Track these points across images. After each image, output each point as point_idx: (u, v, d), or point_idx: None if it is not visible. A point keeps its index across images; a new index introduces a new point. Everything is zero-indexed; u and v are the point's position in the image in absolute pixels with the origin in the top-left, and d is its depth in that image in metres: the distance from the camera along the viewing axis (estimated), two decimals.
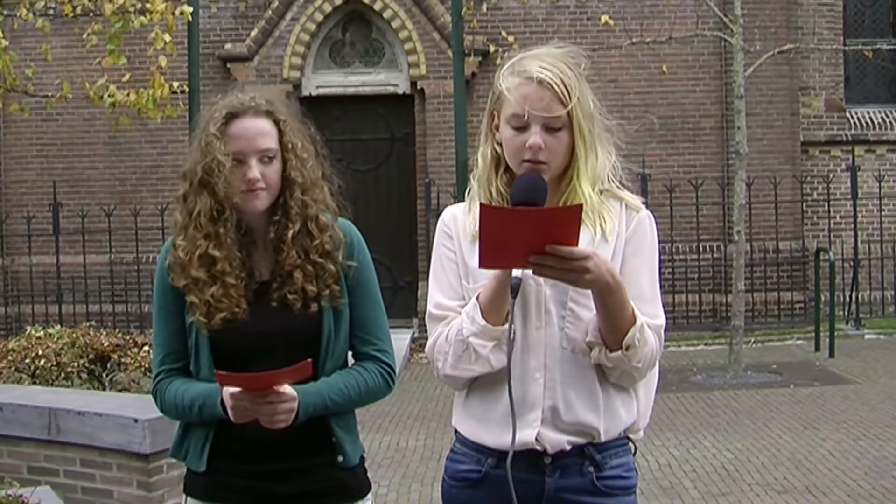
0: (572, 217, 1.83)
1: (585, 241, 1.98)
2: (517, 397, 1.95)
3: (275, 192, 2.21)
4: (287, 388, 2.09)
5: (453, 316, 2.05)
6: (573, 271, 1.87)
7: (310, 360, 2.07)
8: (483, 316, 1.98)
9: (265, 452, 2.20)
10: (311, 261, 2.20)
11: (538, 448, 2.02)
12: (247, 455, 2.21)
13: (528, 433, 2.00)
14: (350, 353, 2.31)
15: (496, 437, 2.03)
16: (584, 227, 1.99)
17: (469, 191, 2.13)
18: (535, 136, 1.97)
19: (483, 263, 1.88)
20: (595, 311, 1.98)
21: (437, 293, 2.09)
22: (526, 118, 1.97)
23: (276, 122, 2.23)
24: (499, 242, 1.83)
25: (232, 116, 2.19)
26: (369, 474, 2.36)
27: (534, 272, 1.89)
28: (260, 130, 2.19)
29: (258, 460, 2.21)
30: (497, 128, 2.05)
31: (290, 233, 2.20)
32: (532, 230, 1.82)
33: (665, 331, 2.07)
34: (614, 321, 1.96)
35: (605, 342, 1.99)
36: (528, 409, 2.01)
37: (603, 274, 1.90)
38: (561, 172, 2.03)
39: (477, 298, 2.00)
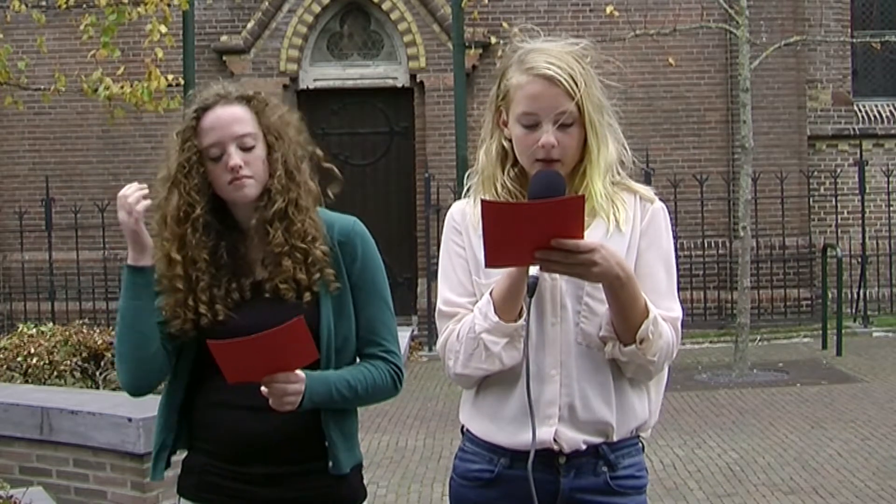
0: (575, 208, 1.81)
1: (599, 234, 1.98)
2: (533, 396, 1.94)
3: (262, 179, 2.16)
4: (298, 371, 2.07)
5: (463, 312, 2.04)
6: (580, 265, 1.85)
7: (301, 316, 2.02)
8: (496, 312, 1.96)
9: (255, 455, 2.17)
10: (296, 246, 2.16)
11: (554, 448, 2.01)
12: (236, 456, 2.19)
13: (546, 432, 1.99)
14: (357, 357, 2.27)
15: (510, 436, 2.02)
16: (598, 219, 2.00)
17: (468, 188, 2.11)
18: (547, 135, 1.96)
19: (489, 262, 1.85)
20: (608, 305, 1.97)
21: (447, 290, 2.08)
22: (537, 116, 1.97)
23: (252, 107, 2.17)
24: (503, 239, 1.81)
25: (203, 110, 2.14)
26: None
27: (541, 268, 1.87)
28: (234, 117, 2.16)
29: (247, 462, 2.18)
30: (505, 123, 2.04)
31: (272, 214, 2.16)
32: (535, 224, 1.81)
33: (682, 326, 2.05)
34: (626, 314, 1.94)
35: (618, 336, 1.97)
36: (545, 407, 2.00)
37: (612, 266, 1.88)
38: (574, 166, 2.02)
39: (490, 294, 1.98)
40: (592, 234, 1.93)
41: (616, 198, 2.03)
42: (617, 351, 1.98)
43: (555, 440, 2.00)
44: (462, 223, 2.08)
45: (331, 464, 2.20)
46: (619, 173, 2.05)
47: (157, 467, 2.26)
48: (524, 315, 1.93)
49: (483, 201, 1.84)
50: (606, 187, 2.02)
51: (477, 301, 2.02)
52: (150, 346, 2.15)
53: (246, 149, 2.14)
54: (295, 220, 2.17)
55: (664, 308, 2.00)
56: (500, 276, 1.96)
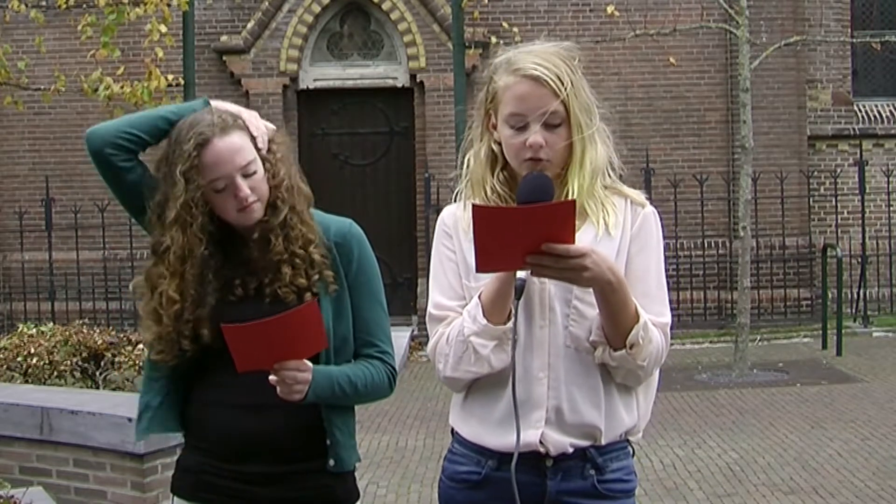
0: (566, 213, 1.81)
1: (589, 237, 1.98)
2: (521, 398, 1.94)
3: (265, 197, 2.20)
4: (306, 361, 2.09)
5: (454, 316, 2.04)
6: (571, 269, 1.86)
7: (315, 299, 2.07)
8: (485, 315, 1.97)
9: (255, 454, 2.18)
10: (295, 252, 2.19)
11: (541, 450, 2.01)
12: (235, 456, 2.19)
13: (532, 434, 1.99)
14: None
15: (498, 438, 2.02)
16: (588, 223, 2.00)
17: (458, 193, 2.11)
18: (535, 135, 1.97)
19: (480, 267, 1.86)
20: (598, 310, 1.97)
21: (437, 293, 2.09)
22: (525, 117, 1.97)
23: (246, 130, 2.19)
24: (494, 244, 1.82)
25: (202, 145, 2.14)
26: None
27: (532, 273, 1.88)
28: (234, 147, 2.16)
29: (246, 461, 2.19)
30: (494, 126, 2.05)
31: (273, 225, 2.19)
32: (526, 229, 1.81)
33: (671, 329, 2.06)
34: (617, 319, 1.95)
35: (608, 341, 1.98)
36: (532, 409, 2.00)
37: (603, 271, 1.89)
38: (563, 168, 2.02)
39: (479, 297, 1.99)
40: (582, 238, 1.93)
41: (606, 202, 2.03)
42: (607, 356, 1.98)
43: (541, 442, 2.00)
44: (453, 227, 2.09)
45: (332, 462, 2.21)
46: (609, 176, 2.05)
47: (147, 424, 2.23)
48: (512, 318, 1.93)
49: (474, 206, 1.83)
50: (596, 190, 2.02)
51: (467, 304, 2.02)
52: (141, 146, 2.26)
53: (249, 175, 2.16)
54: (294, 226, 2.19)
55: (654, 313, 2.00)
56: (489, 279, 1.96)
